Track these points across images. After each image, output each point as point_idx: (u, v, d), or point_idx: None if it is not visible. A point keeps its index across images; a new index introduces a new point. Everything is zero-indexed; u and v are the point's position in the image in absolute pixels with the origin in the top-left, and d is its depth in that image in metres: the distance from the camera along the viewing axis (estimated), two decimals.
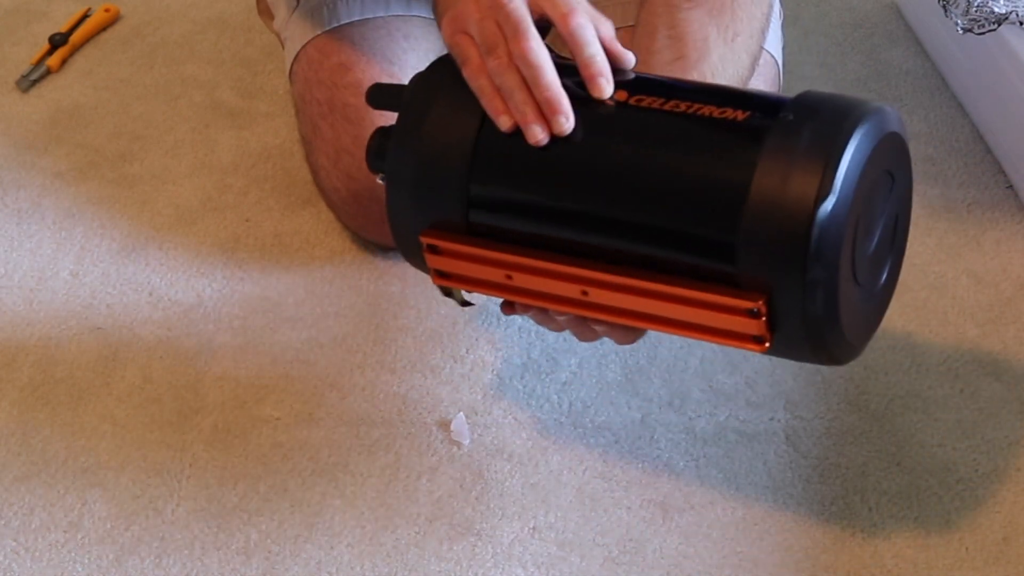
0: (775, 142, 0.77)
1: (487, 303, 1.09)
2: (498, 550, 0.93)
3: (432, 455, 1.00)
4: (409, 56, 1.13)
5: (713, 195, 0.78)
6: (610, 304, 0.82)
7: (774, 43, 1.15)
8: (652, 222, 0.81)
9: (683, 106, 0.81)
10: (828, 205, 0.74)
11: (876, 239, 0.83)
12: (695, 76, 0.94)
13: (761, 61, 1.09)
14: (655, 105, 0.82)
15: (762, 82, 1.10)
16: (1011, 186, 1.22)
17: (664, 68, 0.94)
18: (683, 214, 0.80)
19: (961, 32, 1.19)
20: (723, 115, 0.79)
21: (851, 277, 0.79)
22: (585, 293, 0.82)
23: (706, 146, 0.80)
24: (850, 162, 0.75)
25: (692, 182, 0.79)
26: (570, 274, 0.82)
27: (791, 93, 1.29)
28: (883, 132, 0.79)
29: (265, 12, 1.28)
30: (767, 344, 0.79)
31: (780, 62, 1.16)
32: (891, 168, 0.83)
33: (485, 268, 0.85)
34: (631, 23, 1.11)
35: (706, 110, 0.80)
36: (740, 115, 0.79)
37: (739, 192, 0.76)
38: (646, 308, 0.81)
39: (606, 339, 1.07)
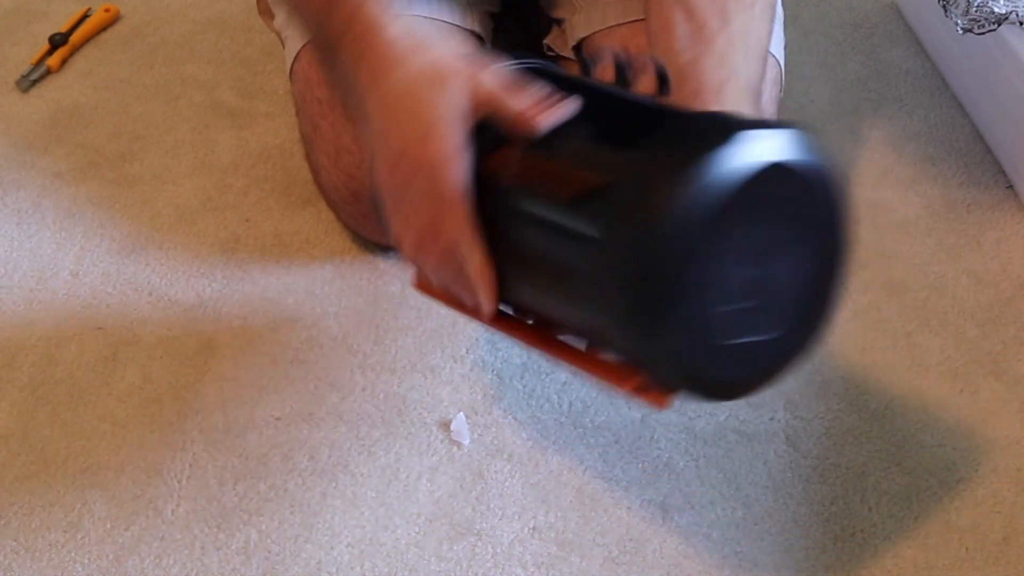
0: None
1: None
2: (498, 550, 0.93)
3: (432, 455, 1.00)
4: None
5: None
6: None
7: (776, 44, 1.15)
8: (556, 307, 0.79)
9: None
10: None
11: (762, 285, 0.75)
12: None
13: None
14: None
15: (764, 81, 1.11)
16: (1011, 186, 1.22)
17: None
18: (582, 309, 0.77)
19: (961, 32, 1.19)
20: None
21: (720, 327, 0.74)
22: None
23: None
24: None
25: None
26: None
27: (791, 93, 1.30)
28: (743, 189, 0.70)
29: (266, 11, 1.28)
30: (667, 404, 0.77)
31: (782, 62, 1.16)
32: (795, 215, 0.75)
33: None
34: (632, 18, 1.11)
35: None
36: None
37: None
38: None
39: None
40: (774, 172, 0.71)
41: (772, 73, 1.13)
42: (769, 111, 1.11)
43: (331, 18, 0.85)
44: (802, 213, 0.74)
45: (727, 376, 0.76)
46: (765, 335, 0.75)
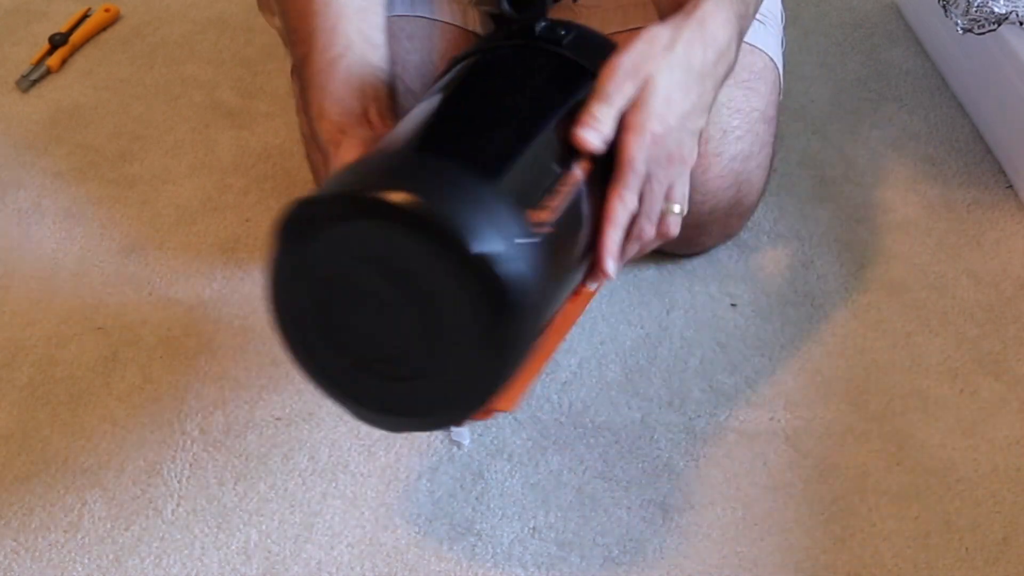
0: None
1: None
2: (498, 550, 0.93)
3: (432, 455, 1.00)
4: (412, 56, 1.12)
5: None
6: None
7: (775, 46, 1.15)
8: None
9: None
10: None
11: (380, 332, 0.77)
12: None
13: (761, 65, 1.10)
14: None
15: (762, 84, 1.11)
16: (1011, 186, 1.22)
17: None
18: None
19: (961, 32, 1.19)
20: None
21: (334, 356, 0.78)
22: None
23: None
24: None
25: None
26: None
27: (791, 93, 1.30)
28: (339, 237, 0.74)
29: (266, 8, 1.28)
30: None
31: (781, 65, 1.16)
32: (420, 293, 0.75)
33: None
34: (631, 27, 1.11)
35: None
36: None
37: None
38: None
39: (606, 340, 1.07)
40: (385, 235, 0.73)
41: (770, 76, 1.13)
42: (769, 115, 1.11)
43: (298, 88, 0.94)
44: (429, 295, 0.74)
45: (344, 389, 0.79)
46: (373, 378, 0.78)
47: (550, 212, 0.77)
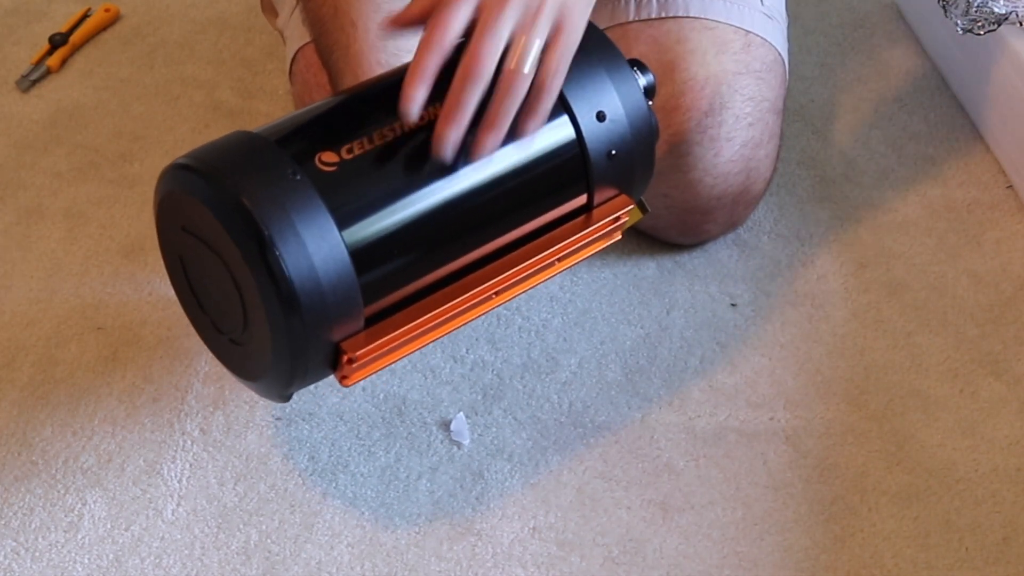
0: None
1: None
2: (498, 550, 0.93)
3: (432, 455, 1.00)
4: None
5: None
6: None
7: (782, 43, 1.16)
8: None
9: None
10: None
11: (215, 292, 0.84)
12: None
13: (771, 59, 1.11)
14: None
15: (772, 77, 1.11)
16: (1011, 186, 1.22)
17: None
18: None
19: (961, 32, 1.19)
20: None
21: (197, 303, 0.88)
22: (496, 294, 0.87)
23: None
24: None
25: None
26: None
27: (791, 93, 1.30)
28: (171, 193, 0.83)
29: (269, 9, 1.28)
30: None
31: (787, 62, 1.17)
32: (205, 239, 0.81)
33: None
34: (620, 21, 1.11)
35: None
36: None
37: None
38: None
39: (606, 340, 1.07)
40: (184, 205, 0.81)
41: (779, 70, 1.14)
42: (778, 107, 1.12)
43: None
44: (232, 262, 0.80)
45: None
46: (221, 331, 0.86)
47: (345, 152, 0.81)
